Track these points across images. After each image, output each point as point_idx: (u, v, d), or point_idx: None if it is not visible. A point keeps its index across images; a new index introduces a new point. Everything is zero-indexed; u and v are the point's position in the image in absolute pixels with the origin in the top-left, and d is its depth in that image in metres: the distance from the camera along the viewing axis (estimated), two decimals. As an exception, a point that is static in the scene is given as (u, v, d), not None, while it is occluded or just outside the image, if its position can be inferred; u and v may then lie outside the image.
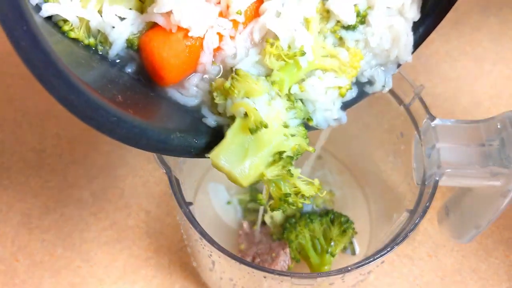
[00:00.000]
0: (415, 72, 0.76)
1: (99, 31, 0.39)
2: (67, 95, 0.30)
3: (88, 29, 0.39)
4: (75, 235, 0.63)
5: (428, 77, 0.76)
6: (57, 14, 0.38)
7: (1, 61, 0.75)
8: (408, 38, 0.42)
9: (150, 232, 0.64)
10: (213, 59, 0.40)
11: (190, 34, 0.38)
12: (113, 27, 0.39)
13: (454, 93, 0.75)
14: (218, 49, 0.40)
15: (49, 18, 0.38)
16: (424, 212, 0.48)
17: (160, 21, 0.38)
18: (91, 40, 0.39)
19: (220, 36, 0.39)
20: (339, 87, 0.41)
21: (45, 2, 0.38)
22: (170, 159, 0.49)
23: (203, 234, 0.46)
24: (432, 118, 0.51)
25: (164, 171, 0.47)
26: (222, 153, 0.38)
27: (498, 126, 0.49)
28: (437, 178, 0.49)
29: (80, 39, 0.39)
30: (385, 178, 0.61)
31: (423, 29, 0.44)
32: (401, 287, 0.62)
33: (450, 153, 0.50)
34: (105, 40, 0.40)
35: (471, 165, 0.49)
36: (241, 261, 0.45)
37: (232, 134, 0.38)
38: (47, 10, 0.37)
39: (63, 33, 0.38)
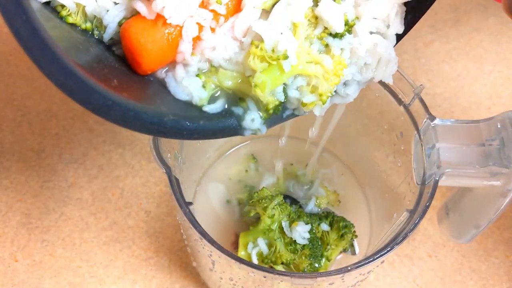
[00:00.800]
0: (415, 72, 0.76)
1: (95, 16, 0.40)
2: (65, 80, 0.31)
3: (85, 14, 0.40)
4: (75, 235, 0.63)
5: (428, 77, 0.76)
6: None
7: (1, 61, 0.75)
8: (391, 64, 0.42)
9: (150, 232, 0.64)
10: (193, 50, 0.40)
11: (168, 21, 0.38)
12: (107, 10, 0.40)
13: (454, 93, 0.75)
14: (198, 39, 0.40)
15: (47, 4, 0.39)
16: (424, 212, 0.48)
17: (141, 8, 0.39)
18: (88, 25, 0.41)
19: (200, 27, 0.40)
20: (320, 94, 0.42)
21: None
22: (170, 159, 0.49)
23: (203, 234, 0.46)
24: (432, 118, 0.51)
25: (164, 171, 0.47)
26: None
27: (498, 126, 0.49)
28: (437, 178, 0.49)
29: (78, 24, 0.40)
30: (385, 178, 0.61)
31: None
32: (401, 287, 0.62)
33: (450, 153, 0.50)
34: (100, 25, 0.41)
35: (471, 165, 0.49)
36: (241, 261, 0.45)
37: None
38: None
39: (61, 18, 0.39)
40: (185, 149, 0.53)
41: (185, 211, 0.47)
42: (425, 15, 0.45)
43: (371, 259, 0.46)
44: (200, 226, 0.46)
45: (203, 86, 0.41)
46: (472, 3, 0.83)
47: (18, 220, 0.64)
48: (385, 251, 0.46)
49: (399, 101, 0.54)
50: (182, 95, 0.41)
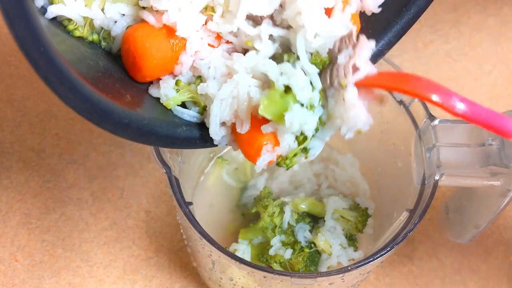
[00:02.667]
0: (415, 72, 0.76)
1: (102, 28, 0.40)
2: (83, 105, 0.32)
3: (92, 26, 0.40)
4: (75, 235, 0.63)
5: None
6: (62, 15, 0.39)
7: (1, 62, 0.75)
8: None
9: (150, 232, 0.64)
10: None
11: (177, 33, 0.38)
12: (115, 21, 0.40)
13: (454, 93, 0.75)
14: (194, 54, 0.41)
15: (53, 19, 0.39)
16: (424, 212, 0.48)
17: (149, 18, 0.39)
18: (95, 37, 0.41)
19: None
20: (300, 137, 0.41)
21: (50, 3, 0.38)
22: (169, 159, 0.49)
23: (203, 234, 0.46)
24: (432, 118, 0.51)
25: (164, 171, 0.47)
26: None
27: (498, 126, 0.49)
28: (437, 178, 0.49)
29: (85, 37, 0.40)
30: (384, 178, 0.61)
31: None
32: (401, 287, 0.62)
33: (450, 153, 0.50)
34: (108, 36, 0.41)
35: (471, 165, 0.49)
36: (241, 261, 0.45)
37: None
38: (53, 11, 0.38)
39: (68, 32, 0.39)
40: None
41: (185, 211, 0.47)
42: (425, 15, 0.45)
43: (371, 259, 0.46)
44: (200, 226, 0.46)
45: (176, 89, 0.41)
46: (472, 3, 0.83)
47: (18, 220, 0.64)
48: (385, 251, 0.46)
49: (399, 101, 0.54)
50: (154, 91, 0.41)
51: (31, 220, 0.64)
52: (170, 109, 0.41)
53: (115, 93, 0.36)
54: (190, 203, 0.48)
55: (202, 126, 0.41)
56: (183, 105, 0.42)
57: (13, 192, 0.66)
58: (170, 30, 0.39)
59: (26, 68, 0.74)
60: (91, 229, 0.64)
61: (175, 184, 0.48)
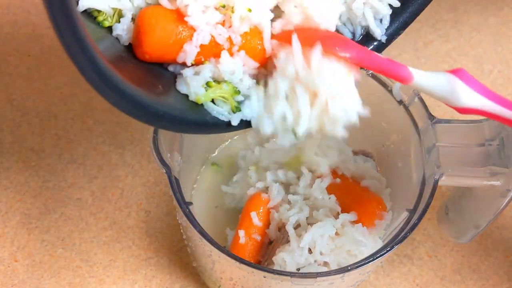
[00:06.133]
0: (415, 72, 0.76)
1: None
2: (126, 103, 0.35)
3: (121, 15, 0.41)
4: (74, 235, 0.63)
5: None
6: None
7: (0, 62, 0.75)
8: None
9: (150, 232, 0.64)
10: (205, 59, 0.41)
11: (186, 19, 0.39)
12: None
13: (454, 93, 0.75)
14: (216, 56, 0.41)
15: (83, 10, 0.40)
16: (424, 212, 0.48)
17: (164, 1, 0.40)
18: None
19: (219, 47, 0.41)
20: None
21: None
22: (169, 159, 0.49)
23: (203, 234, 0.46)
24: (432, 118, 0.51)
25: (164, 171, 0.47)
26: None
27: (498, 126, 0.49)
28: (437, 178, 0.49)
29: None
30: (384, 178, 0.61)
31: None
32: (400, 287, 0.62)
33: (450, 153, 0.50)
34: None
35: (471, 165, 0.49)
36: (241, 261, 0.45)
37: None
38: (84, 5, 0.39)
39: (98, 23, 0.40)
40: (184, 149, 0.53)
41: (185, 211, 0.47)
42: (425, 15, 0.45)
43: (371, 259, 0.46)
44: (200, 226, 0.46)
45: (204, 87, 0.41)
46: (472, 3, 0.83)
47: (18, 220, 0.64)
48: (385, 251, 0.46)
49: (399, 101, 0.54)
50: (183, 88, 0.42)
51: (31, 220, 0.64)
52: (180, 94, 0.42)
53: (149, 85, 0.38)
54: (190, 203, 0.48)
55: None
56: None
57: (13, 192, 0.66)
58: (180, 16, 0.40)
59: (26, 67, 0.74)
60: (91, 229, 0.64)
61: (175, 184, 0.48)
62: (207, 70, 0.41)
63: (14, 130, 0.70)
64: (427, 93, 0.41)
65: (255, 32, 0.42)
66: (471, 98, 0.40)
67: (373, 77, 0.55)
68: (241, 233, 0.53)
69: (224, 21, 0.41)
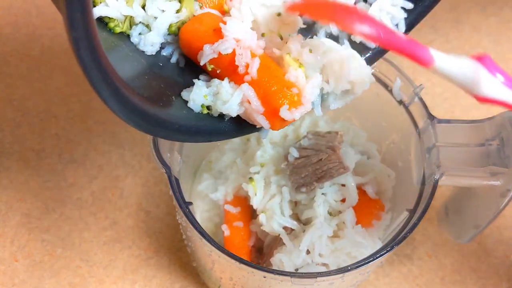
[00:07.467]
0: (415, 72, 0.76)
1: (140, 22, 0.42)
2: (144, 123, 0.37)
3: (132, 21, 0.42)
4: (74, 235, 0.63)
5: (428, 77, 0.76)
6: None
7: (1, 62, 0.75)
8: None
9: (150, 232, 0.64)
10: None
11: (221, 25, 0.40)
12: (155, 17, 0.42)
13: (454, 93, 0.75)
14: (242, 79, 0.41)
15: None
16: (424, 212, 0.48)
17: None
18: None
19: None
20: None
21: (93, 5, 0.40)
22: (169, 159, 0.49)
23: (203, 234, 0.46)
24: (432, 118, 0.51)
25: (164, 171, 0.47)
26: None
27: (498, 126, 0.49)
28: (436, 178, 0.49)
29: (126, 32, 0.42)
30: (384, 178, 0.61)
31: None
32: (400, 287, 0.62)
33: (449, 153, 0.50)
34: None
35: (471, 165, 0.49)
36: (241, 261, 0.45)
37: None
38: (96, 13, 0.40)
39: (109, 30, 0.41)
40: (184, 149, 0.53)
41: (185, 211, 0.47)
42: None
43: (370, 259, 0.46)
44: (200, 226, 0.46)
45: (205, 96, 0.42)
46: (472, 3, 0.83)
47: (18, 220, 0.64)
48: (385, 251, 0.46)
49: (399, 101, 0.54)
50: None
51: (31, 220, 0.64)
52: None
53: (164, 98, 0.39)
54: (190, 203, 0.48)
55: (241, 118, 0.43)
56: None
57: (13, 192, 0.66)
58: (219, 31, 0.41)
59: (26, 67, 0.74)
60: (91, 229, 0.64)
61: (175, 184, 0.48)
62: (208, 87, 0.41)
63: (14, 130, 0.70)
64: (446, 79, 0.38)
65: (277, 78, 0.41)
66: (494, 88, 0.37)
67: (373, 77, 0.54)
68: (224, 227, 0.55)
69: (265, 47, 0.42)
